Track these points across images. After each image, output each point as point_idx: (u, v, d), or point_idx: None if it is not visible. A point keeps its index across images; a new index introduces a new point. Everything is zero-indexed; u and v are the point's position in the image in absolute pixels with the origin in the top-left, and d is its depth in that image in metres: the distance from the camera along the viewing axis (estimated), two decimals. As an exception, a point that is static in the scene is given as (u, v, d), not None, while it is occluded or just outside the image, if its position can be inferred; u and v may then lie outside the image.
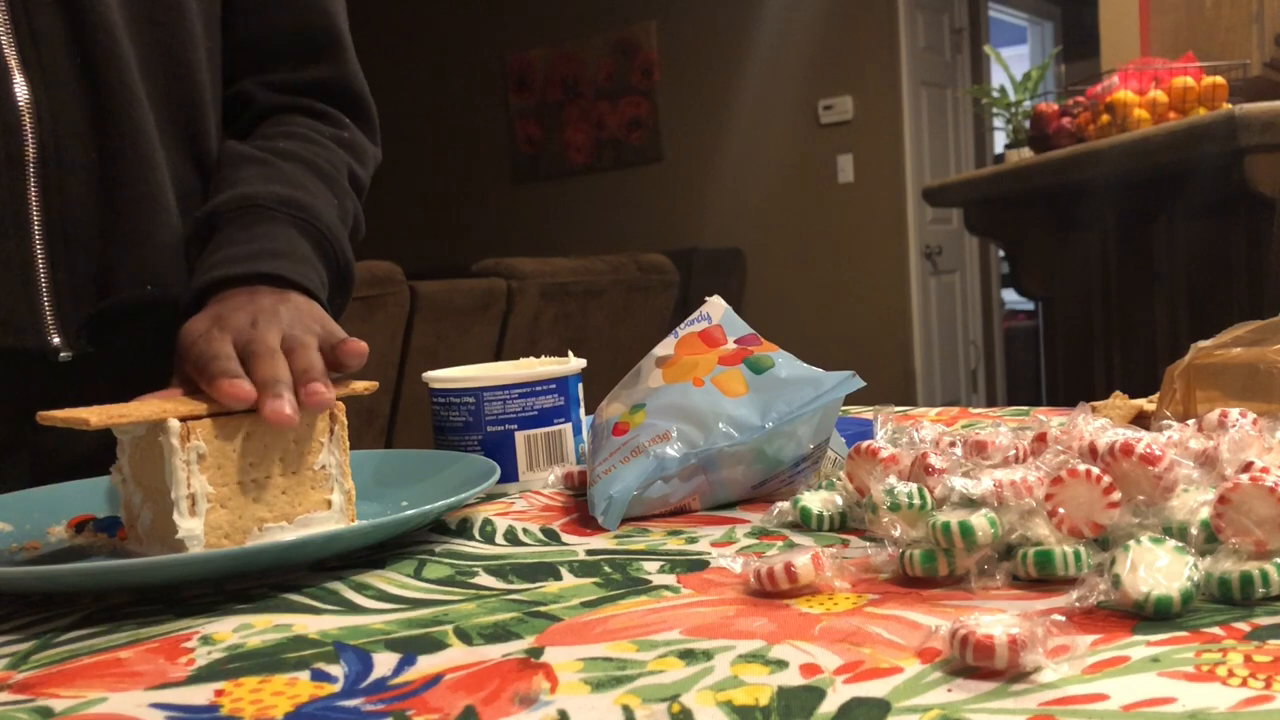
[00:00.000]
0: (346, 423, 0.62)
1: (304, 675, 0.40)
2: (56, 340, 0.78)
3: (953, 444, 0.59)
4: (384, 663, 0.41)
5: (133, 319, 0.81)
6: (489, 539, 0.60)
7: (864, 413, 0.96)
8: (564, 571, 0.53)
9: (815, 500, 0.59)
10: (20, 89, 0.74)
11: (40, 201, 0.76)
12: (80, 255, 0.78)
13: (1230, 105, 2.12)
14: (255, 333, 0.66)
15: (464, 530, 0.62)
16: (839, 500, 0.59)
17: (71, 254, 0.77)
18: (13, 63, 0.74)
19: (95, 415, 0.55)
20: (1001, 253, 4.75)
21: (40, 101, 0.75)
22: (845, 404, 0.70)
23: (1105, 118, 2.51)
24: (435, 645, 0.43)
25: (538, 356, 0.81)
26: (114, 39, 0.78)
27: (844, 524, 0.58)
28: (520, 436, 0.74)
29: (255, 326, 0.67)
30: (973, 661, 0.36)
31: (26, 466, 0.81)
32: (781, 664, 0.38)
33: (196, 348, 0.64)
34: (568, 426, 0.76)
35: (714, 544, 0.56)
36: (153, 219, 0.81)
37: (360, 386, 0.64)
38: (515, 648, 0.42)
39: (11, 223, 0.75)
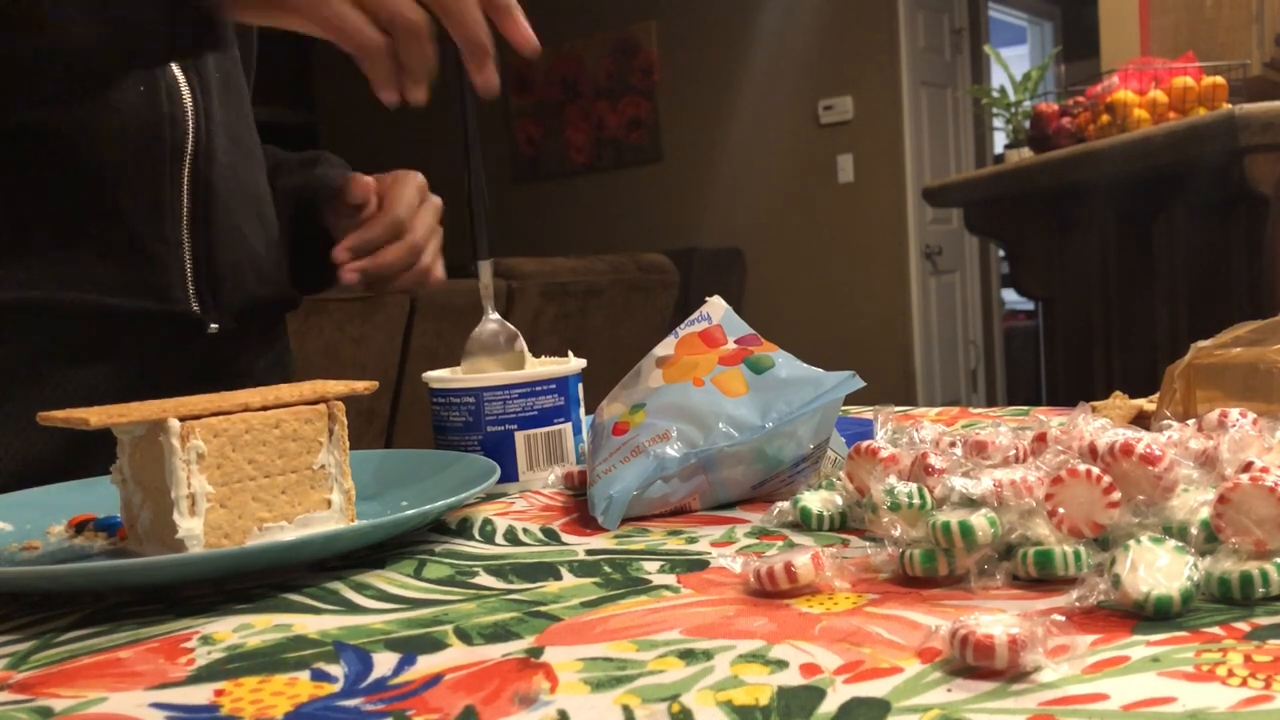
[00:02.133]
0: (346, 422, 0.62)
1: (304, 675, 0.40)
2: (196, 308, 0.89)
3: (953, 444, 0.59)
4: (384, 663, 0.41)
5: (259, 308, 0.96)
6: (489, 539, 0.60)
7: (864, 413, 0.96)
8: (564, 571, 0.53)
9: (815, 500, 0.59)
10: (184, 87, 0.87)
11: (190, 188, 0.88)
12: (217, 242, 0.90)
13: (1230, 105, 2.12)
14: None
15: (464, 530, 0.62)
16: (839, 500, 0.59)
17: (210, 238, 0.89)
18: (176, 70, 0.87)
19: (95, 415, 0.55)
20: (1001, 253, 4.75)
21: (198, 100, 0.88)
22: (845, 404, 0.71)
23: (1105, 118, 2.51)
24: (435, 645, 0.43)
25: (538, 356, 0.81)
26: (236, 58, 0.95)
27: (844, 524, 0.58)
28: (520, 436, 0.74)
29: None
30: (973, 661, 0.36)
31: None
32: (781, 664, 0.38)
33: None
34: (568, 426, 0.76)
35: (714, 544, 0.56)
36: (268, 223, 0.98)
37: (361, 386, 0.64)
38: (515, 648, 0.42)
39: (168, 205, 0.87)
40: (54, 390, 0.84)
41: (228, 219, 0.91)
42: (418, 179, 0.97)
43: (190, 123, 0.87)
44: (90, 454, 0.84)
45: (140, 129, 0.84)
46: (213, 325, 0.90)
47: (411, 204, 0.94)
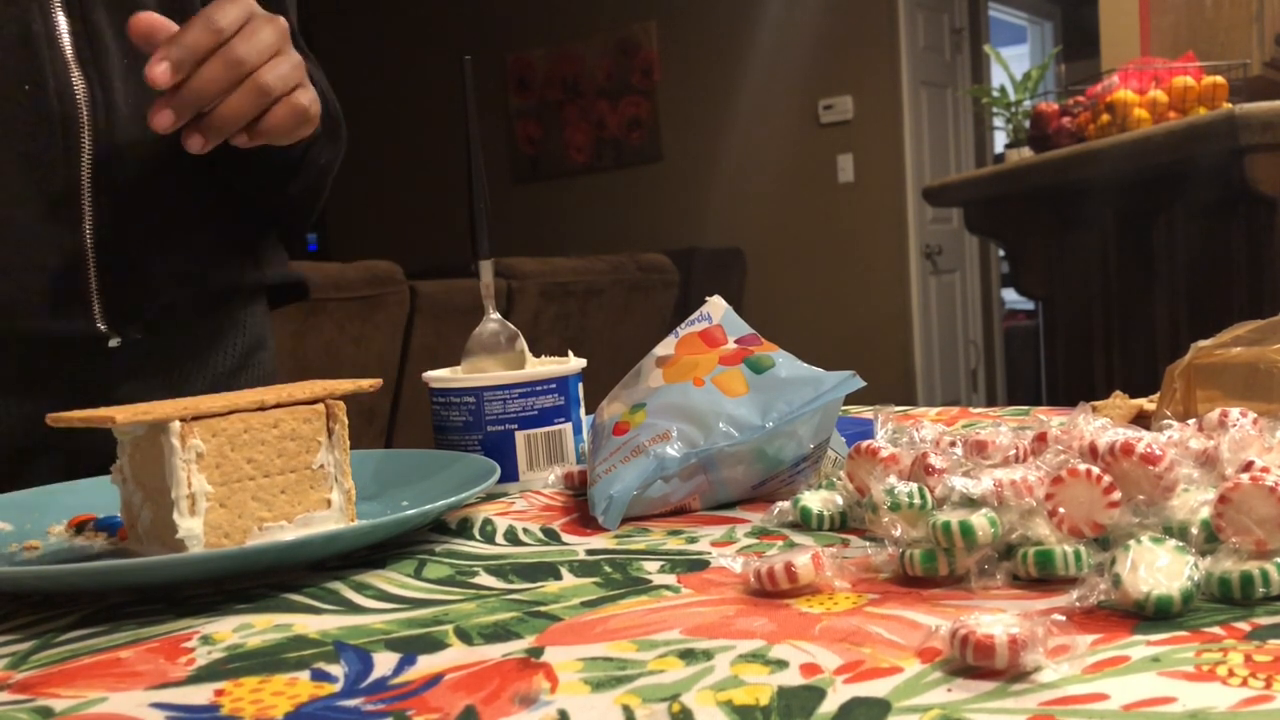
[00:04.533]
0: (346, 422, 0.62)
1: (304, 675, 0.40)
2: (103, 327, 0.82)
3: (953, 444, 0.59)
4: (384, 662, 0.41)
5: (178, 311, 0.87)
6: (489, 539, 0.60)
7: (864, 413, 0.96)
8: (564, 571, 0.53)
9: (815, 500, 0.59)
10: (79, 83, 0.79)
11: (92, 194, 0.80)
12: (126, 247, 0.82)
13: (1230, 105, 2.12)
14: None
15: (464, 530, 0.62)
16: (839, 500, 0.59)
17: (118, 246, 0.81)
18: (70, 58, 0.79)
19: (121, 414, 0.55)
20: (1001, 253, 4.75)
21: (96, 97, 0.80)
22: (845, 404, 0.70)
23: (1105, 117, 2.51)
24: (435, 645, 0.43)
25: (538, 356, 0.81)
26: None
27: (844, 524, 0.58)
28: (520, 436, 0.74)
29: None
30: (973, 661, 0.36)
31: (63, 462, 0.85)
32: (781, 664, 0.38)
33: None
34: (568, 426, 0.76)
35: (714, 544, 0.56)
36: (191, 218, 0.87)
37: (366, 384, 0.64)
38: (515, 647, 0.42)
39: (65, 213, 0.79)
40: None
41: (142, 219, 0.83)
42: (248, 1, 0.75)
43: (86, 121, 0.79)
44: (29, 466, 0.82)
45: (24, 134, 0.78)
46: (113, 341, 0.83)
47: (230, 15, 0.73)
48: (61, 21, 0.79)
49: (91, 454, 0.79)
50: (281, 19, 0.76)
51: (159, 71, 0.69)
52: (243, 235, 0.95)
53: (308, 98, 0.77)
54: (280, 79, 0.74)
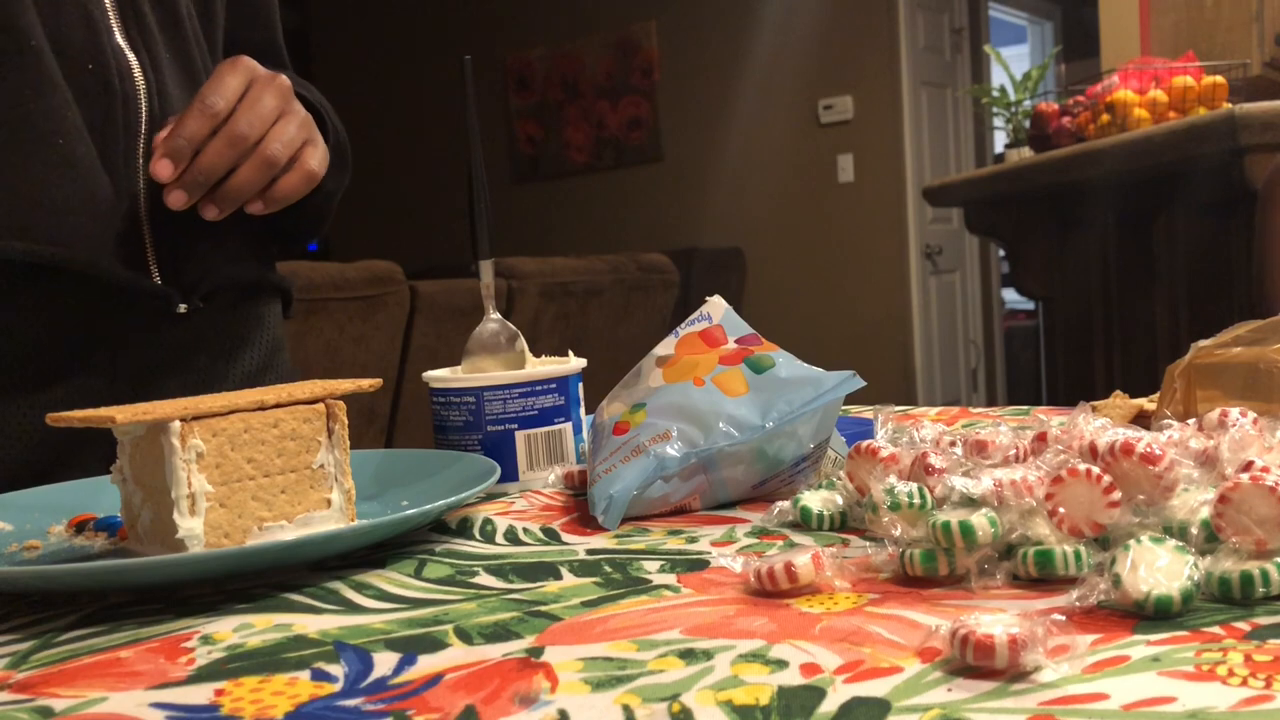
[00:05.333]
0: (346, 422, 0.62)
1: (304, 675, 0.40)
2: (159, 281, 0.86)
3: (953, 443, 0.59)
4: (384, 662, 0.41)
5: (220, 293, 0.91)
6: (489, 539, 0.60)
7: (864, 412, 0.96)
8: (564, 571, 0.53)
9: (815, 500, 0.59)
10: (134, 63, 0.84)
11: (145, 165, 0.84)
12: (175, 219, 0.84)
13: (1230, 105, 2.13)
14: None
15: (464, 530, 0.62)
16: (839, 500, 0.59)
17: (168, 216, 0.83)
18: (123, 43, 0.83)
19: (120, 414, 0.55)
20: (1001, 253, 4.75)
21: (149, 78, 0.84)
22: (845, 404, 0.71)
23: (1105, 117, 2.51)
24: (435, 645, 0.43)
25: (538, 356, 0.81)
26: (195, 27, 0.90)
27: (844, 524, 0.58)
28: (520, 436, 0.74)
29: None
30: (973, 661, 0.36)
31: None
32: (781, 663, 0.38)
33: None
34: (568, 426, 0.76)
35: (714, 543, 0.56)
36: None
37: (366, 384, 0.64)
38: (515, 647, 0.42)
39: (122, 176, 0.83)
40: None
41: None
42: (248, 66, 0.80)
43: (143, 100, 0.84)
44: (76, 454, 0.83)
45: (90, 107, 0.81)
46: (181, 305, 0.87)
47: (230, 87, 0.77)
48: (110, 8, 0.84)
49: None
50: (283, 78, 0.81)
51: (160, 167, 0.76)
52: (263, 235, 0.99)
53: (316, 159, 0.83)
54: (287, 145, 0.79)
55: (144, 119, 0.84)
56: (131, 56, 0.84)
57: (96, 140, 0.82)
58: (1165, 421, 0.57)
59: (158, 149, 0.76)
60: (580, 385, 0.78)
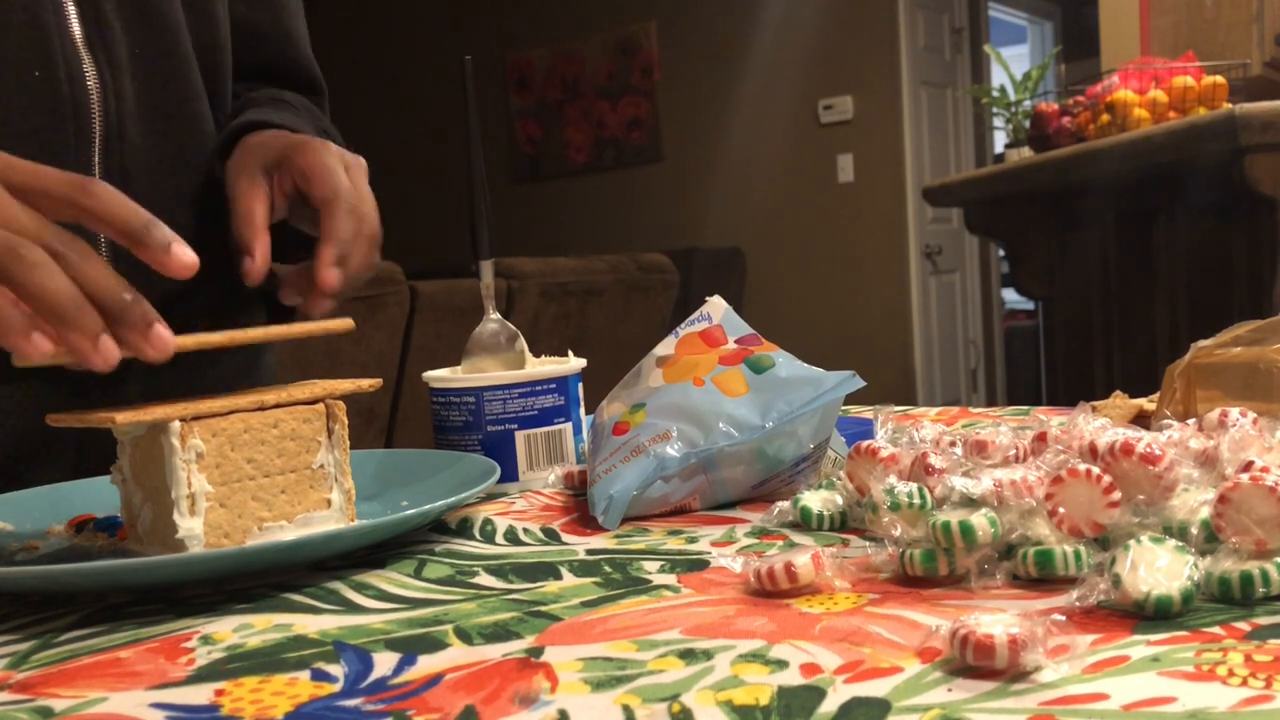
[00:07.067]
0: (346, 422, 0.62)
1: (304, 675, 0.40)
2: None
3: (953, 443, 0.59)
4: (384, 662, 0.41)
5: (192, 301, 0.85)
6: (489, 539, 0.60)
7: (864, 412, 0.96)
8: (564, 571, 0.53)
9: (815, 500, 0.59)
10: (89, 70, 0.80)
11: (103, 176, 0.80)
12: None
13: (1230, 105, 2.12)
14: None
15: (464, 530, 0.62)
16: (839, 500, 0.59)
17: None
18: (80, 45, 0.80)
19: (121, 414, 0.55)
20: (1001, 253, 4.75)
21: (106, 84, 0.81)
22: (845, 404, 0.70)
23: (1105, 117, 2.51)
24: (435, 645, 0.43)
25: (538, 356, 0.81)
26: (174, 32, 0.85)
27: (844, 524, 0.58)
28: (520, 436, 0.74)
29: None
30: (973, 661, 0.36)
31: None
32: (781, 664, 0.38)
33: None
34: (568, 426, 0.76)
35: (714, 544, 0.56)
36: (207, 201, 0.87)
37: (366, 384, 0.64)
38: (515, 647, 0.42)
39: None
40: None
41: (151, 204, 0.81)
42: (337, 152, 0.78)
43: (97, 106, 0.80)
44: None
45: (35, 118, 0.77)
46: None
47: (360, 185, 0.77)
48: (71, 11, 0.81)
49: (97, 449, 0.79)
50: (361, 160, 0.78)
51: (331, 277, 0.71)
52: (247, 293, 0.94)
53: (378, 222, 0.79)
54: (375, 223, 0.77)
55: (98, 127, 0.80)
56: (85, 56, 0.80)
57: (46, 155, 0.75)
58: (1165, 421, 0.57)
59: (325, 260, 0.71)
60: (580, 385, 0.78)
